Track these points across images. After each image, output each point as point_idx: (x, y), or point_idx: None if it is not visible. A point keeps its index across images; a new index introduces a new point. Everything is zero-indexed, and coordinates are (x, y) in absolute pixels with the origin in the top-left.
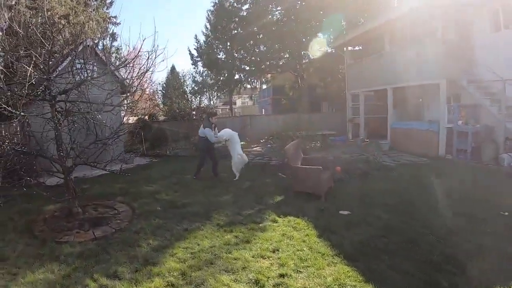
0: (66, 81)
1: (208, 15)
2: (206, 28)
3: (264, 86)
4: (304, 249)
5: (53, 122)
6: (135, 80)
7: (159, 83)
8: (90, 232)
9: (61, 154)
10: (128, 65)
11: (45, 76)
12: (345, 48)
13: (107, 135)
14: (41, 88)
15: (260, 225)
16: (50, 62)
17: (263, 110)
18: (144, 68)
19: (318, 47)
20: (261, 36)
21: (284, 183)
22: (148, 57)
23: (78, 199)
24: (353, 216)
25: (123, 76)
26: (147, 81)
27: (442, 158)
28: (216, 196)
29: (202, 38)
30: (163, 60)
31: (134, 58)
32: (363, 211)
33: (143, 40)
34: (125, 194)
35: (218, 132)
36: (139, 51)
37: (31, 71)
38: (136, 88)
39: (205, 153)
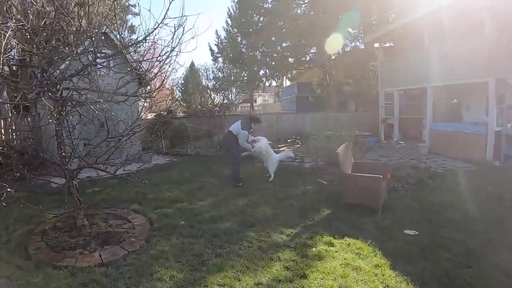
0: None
1: (229, 9)
2: (227, 23)
3: (288, 83)
4: None
5: (52, 114)
6: (154, 64)
7: (179, 77)
8: (97, 254)
9: (63, 153)
10: (143, 45)
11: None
12: (376, 44)
13: (121, 131)
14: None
15: (314, 249)
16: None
17: (286, 108)
18: (169, 47)
19: (347, 42)
20: (286, 29)
21: (327, 191)
22: (174, 32)
23: (84, 209)
24: (422, 237)
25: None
26: (169, 69)
27: (489, 164)
28: (251, 207)
29: (223, 34)
30: (192, 37)
31: (153, 30)
32: (431, 230)
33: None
34: (141, 201)
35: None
36: (163, 19)
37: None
38: (156, 76)
39: (234, 148)
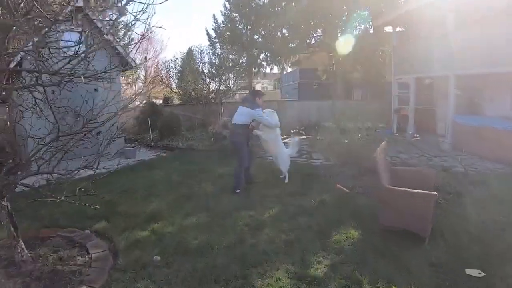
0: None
1: None
2: (225, 7)
3: (289, 69)
4: None
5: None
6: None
7: (175, 64)
8: None
9: None
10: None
11: None
12: (387, 28)
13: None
14: None
15: None
16: None
17: (287, 95)
18: None
19: (356, 25)
20: (290, 9)
21: (351, 203)
22: None
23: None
24: (492, 278)
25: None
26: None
27: None
28: (253, 229)
29: (220, 18)
30: None
31: None
32: (499, 267)
33: None
34: (110, 216)
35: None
36: None
37: None
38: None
39: (244, 148)
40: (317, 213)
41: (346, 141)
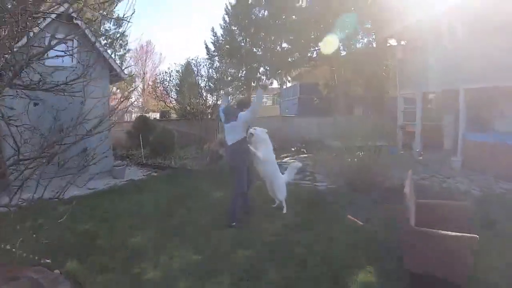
0: None
1: (227, 6)
2: (224, 20)
3: (289, 84)
4: None
5: None
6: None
7: (169, 77)
8: None
9: None
10: None
11: None
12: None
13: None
14: None
15: None
16: None
17: (286, 110)
18: None
19: (358, 38)
20: (290, 23)
21: (367, 240)
22: None
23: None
24: None
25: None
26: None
27: None
28: (253, 278)
29: (219, 32)
30: None
31: None
32: None
33: None
34: (84, 254)
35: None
36: None
37: None
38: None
39: (244, 173)
40: (327, 253)
41: (351, 160)
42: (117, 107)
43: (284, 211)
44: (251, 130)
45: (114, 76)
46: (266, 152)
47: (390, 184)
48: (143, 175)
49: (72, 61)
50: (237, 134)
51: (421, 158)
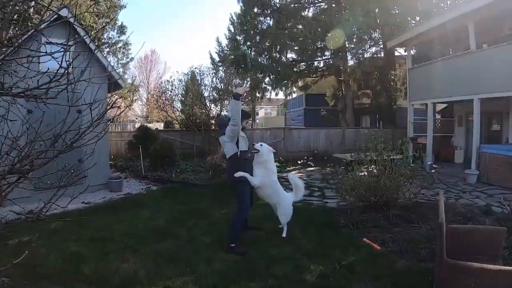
0: None
1: (232, 16)
2: (229, 30)
3: (294, 95)
4: None
5: None
6: None
7: (171, 86)
8: None
9: None
10: None
11: None
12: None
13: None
14: None
15: None
16: None
17: (292, 121)
18: None
19: (366, 47)
20: (297, 31)
21: (388, 268)
22: None
23: None
24: None
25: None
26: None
27: None
28: None
29: (224, 42)
30: None
31: None
32: None
33: None
34: (69, 281)
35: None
36: None
37: None
38: None
39: (246, 189)
40: (345, 286)
41: (362, 174)
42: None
43: (284, 234)
44: (257, 146)
45: (115, 84)
46: (264, 175)
47: (404, 200)
48: (142, 189)
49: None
50: (229, 149)
51: (433, 171)
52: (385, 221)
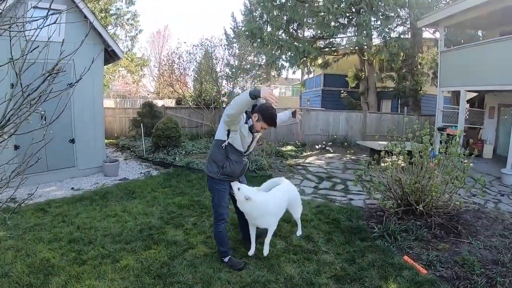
0: None
1: None
2: (245, 6)
3: (312, 74)
4: None
5: None
6: None
7: (179, 58)
8: None
9: None
10: None
11: None
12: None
13: None
14: None
15: None
16: None
17: (308, 103)
18: None
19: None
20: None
21: None
22: None
23: None
24: None
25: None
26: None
27: None
28: None
29: (240, 17)
30: None
31: None
32: None
33: None
34: None
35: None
36: None
37: None
38: None
39: (220, 187)
40: None
41: (396, 168)
42: None
43: (266, 253)
44: (245, 195)
45: (113, 54)
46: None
47: (445, 205)
48: (140, 173)
49: (59, 35)
50: (219, 131)
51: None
52: (426, 229)
